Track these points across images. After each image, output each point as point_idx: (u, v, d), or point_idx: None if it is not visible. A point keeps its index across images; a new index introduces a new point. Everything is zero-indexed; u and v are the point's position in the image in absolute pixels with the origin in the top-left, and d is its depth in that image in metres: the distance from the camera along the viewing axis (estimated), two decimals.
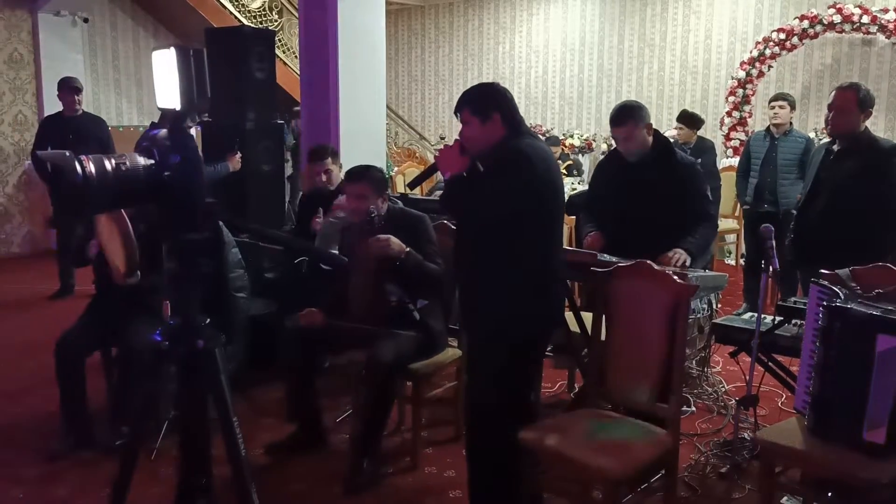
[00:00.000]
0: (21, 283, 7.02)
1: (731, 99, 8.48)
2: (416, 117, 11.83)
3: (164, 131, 1.47)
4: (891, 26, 7.60)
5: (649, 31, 9.61)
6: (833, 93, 3.64)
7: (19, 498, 3.14)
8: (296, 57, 8.87)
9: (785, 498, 2.95)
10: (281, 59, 8.68)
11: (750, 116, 8.49)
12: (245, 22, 8.93)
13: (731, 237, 7.42)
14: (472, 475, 2.84)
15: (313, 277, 3.95)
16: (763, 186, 5.56)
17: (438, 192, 5.81)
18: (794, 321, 3.10)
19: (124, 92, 9.41)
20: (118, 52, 9.35)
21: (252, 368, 4.05)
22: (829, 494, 2.71)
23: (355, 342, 3.36)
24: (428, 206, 4.10)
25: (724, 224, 6.67)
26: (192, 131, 1.57)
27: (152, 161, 1.46)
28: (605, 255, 3.23)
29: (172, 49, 1.46)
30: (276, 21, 9.54)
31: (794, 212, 4.15)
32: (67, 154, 1.37)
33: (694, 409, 3.95)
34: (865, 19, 7.69)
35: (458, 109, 2.74)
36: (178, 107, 1.47)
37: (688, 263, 3.29)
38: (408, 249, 3.29)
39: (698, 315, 4.06)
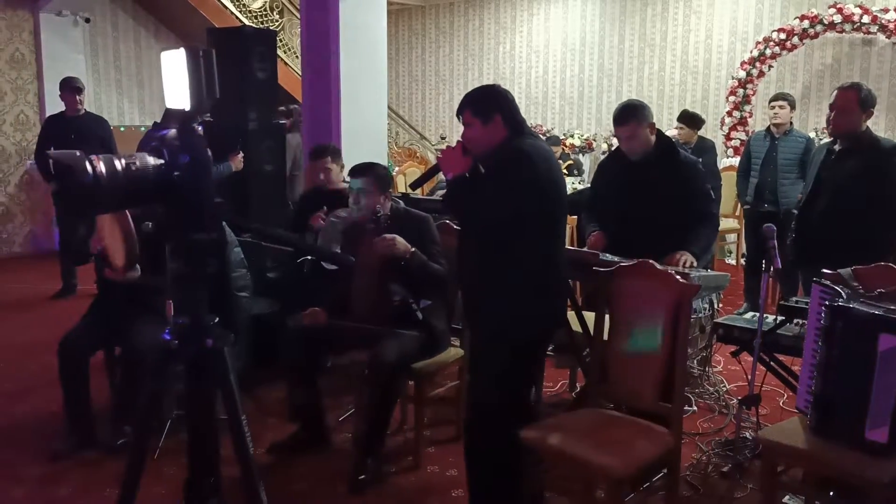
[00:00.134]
0: (23, 282, 7.03)
1: (732, 99, 8.49)
2: (417, 117, 11.83)
3: (173, 131, 1.48)
4: (891, 26, 7.60)
5: (650, 31, 9.62)
6: (834, 93, 3.65)
7: (21, 498, 3.14)
8: (297, 57, 8.87)
9: (787, 497, 2.96)
10: (282, 60, 8.68)
11: (750, 116, 8.50)
12: (246, 22, 8.94)
13: (732, 237, 7.43)
14: (471, 474, 2.84)
15: (315, 277, 3.96)
16: (763, 186, 5.58)
17: (440, 192, 5.82)
18: (795, 321, 3.11)
19: (126, 92, 9.43)
20: (119, 52, 9.36)
21: (254, 368, 4.06)
22: (831, 494, 2.72)
23: (358, 342, 3.37)
24: (429, 205, 4.11)
25: (724, 224, 6.68)
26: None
27: (162, 161, 1.47)
28: (608, 255, 3.24)
29: (182, 50, 1.47)
30: (277, 21, 9.55)
31: (795, 211, 4.16)
32: (78, 153, 1.38)
33: (695, 408, 3.96)
34: (866, 19, 7.70)
35: (460, 111, 2.76)
36: (187, 107, 1.48)
37: (694, 265, 3.30)
38: (413, 249, 3.30)
39: (700, 315, 4.07)
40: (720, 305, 4.99)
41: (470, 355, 3.09)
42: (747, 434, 3.47)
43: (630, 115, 3.46)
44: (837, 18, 7.80)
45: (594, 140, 9.97)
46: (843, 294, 2.51)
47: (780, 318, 3.15)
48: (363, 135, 5.63)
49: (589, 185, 5.66)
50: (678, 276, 2.77)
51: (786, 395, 3.94)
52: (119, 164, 1.40)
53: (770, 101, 5.74)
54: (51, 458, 3.43)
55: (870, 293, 2.55)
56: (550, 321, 2.85)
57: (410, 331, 3.33)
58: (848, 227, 3.54)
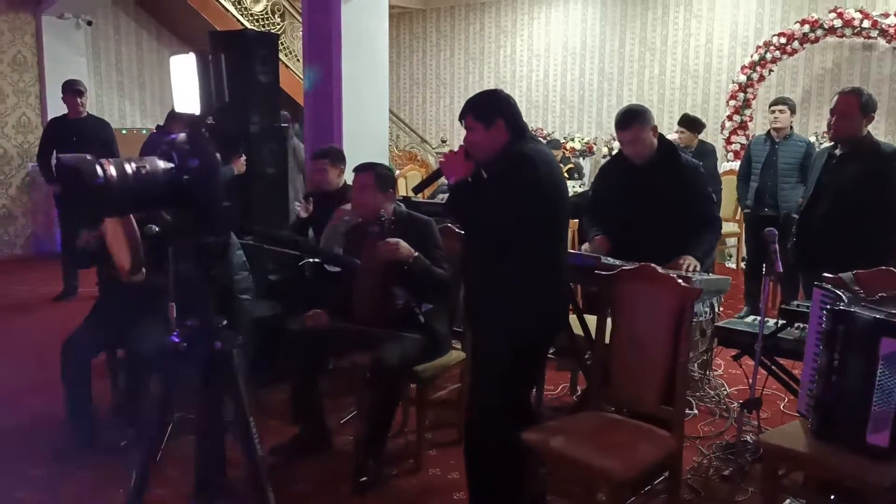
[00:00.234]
0: (25, 284, 7.04)
1: (732, 103, 8.51)
2: (418, 121, 11.85)
3: (182, 135, 1.49)
4: (891, 31, 7.62)
5: (650, 35, 9.64)
6: (835, 97, 3.66)
7: (25, 498, 3.15)
8: (298, 60, 8.88)
9: (788, 501, 2.96)
10: (283, 63, 8.69)
11: (751, 120, 8.51)
12: (248, 25, 8.95)
13: (732, 240, 7.44)
14: (471, 476, 2.85)
15: (317, 280, 3.97)
16: (764, 190, 5.59)
17: (441, 196, 5.83)
18: (796, 324, 3.12)
19: (127, 94, 9.44)
20: (121, 54, 9.38)
21: (256, 370, 4.06)
22: (832, 497, 2.73)
23: (360, 344, 3.37)
24: (430, 209, 4.12)
25: (724, 227, 6.64)
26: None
27: (172, 165, 1.48)
28: (610, 259, 3.25)
29: (192, 54, 1.48)
30: (278, 24, 9.56)
31: (795, 215, 4.17)
32: (88, 157, 1.38)
33: (696, 412, 3.96)
34: (866, 24, 7.72)
35: (463, 116, 2.78)
36: (197, 111, 1.49)
37: (698, 269, 3.31)
38: (416, 254, 3.31)
39: (700, 318, 4.08)
40: (721, 309, 5.00)
41: (471, 358, 3.10)
42: (748, 438, 3.47)
43: (633, 118, 3.46)
44: (838, 23, 7.82)
45: (594, 143, 9.99)
46: (844, 298, 2.52)
47: (780, 321, 3.16)
48: (364, 138, 5.65)
49: (588, 189, 5.67)
50: (680, 280, 2.78)
51: (787, 399, 3.94)
52: (129, 168, 1.41)
53: (770, 106, 5.75)
54: (53, 459, 3.43)
55: (871, 297, 2.56)
56: (552, 324, 2.86)
57: (412, 334, 3.34)
58: (849, 231, 3.55)
